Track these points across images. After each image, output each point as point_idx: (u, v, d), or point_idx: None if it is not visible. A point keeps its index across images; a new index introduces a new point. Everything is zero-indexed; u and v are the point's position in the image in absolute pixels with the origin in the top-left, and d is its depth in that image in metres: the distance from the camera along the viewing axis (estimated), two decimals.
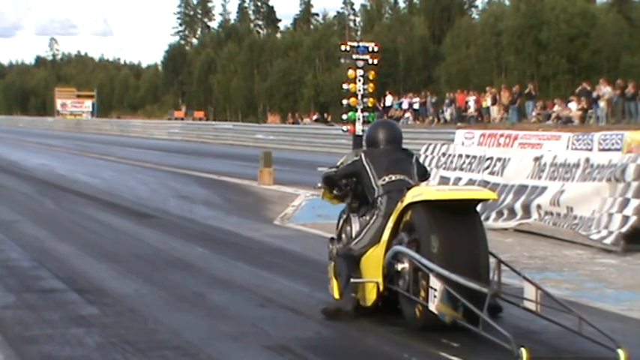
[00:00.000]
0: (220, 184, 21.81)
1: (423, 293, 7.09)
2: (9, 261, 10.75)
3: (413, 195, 7.34)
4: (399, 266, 7.39)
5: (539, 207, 13.34)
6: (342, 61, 18.88)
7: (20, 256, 11.13)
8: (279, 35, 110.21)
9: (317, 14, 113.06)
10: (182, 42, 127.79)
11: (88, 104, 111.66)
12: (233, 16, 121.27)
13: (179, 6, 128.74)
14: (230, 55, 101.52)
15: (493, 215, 14.01)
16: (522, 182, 13.97)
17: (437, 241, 7.10)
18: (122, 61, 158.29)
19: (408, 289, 7.28)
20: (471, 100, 42.73)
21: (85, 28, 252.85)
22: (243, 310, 8.23)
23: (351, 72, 18.11)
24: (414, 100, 47.35)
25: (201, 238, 12.87)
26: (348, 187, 8.32)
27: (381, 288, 7.59)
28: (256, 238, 12.99)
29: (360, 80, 18.09)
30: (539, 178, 13.66)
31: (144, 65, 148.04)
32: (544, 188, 13.45)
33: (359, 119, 18.18)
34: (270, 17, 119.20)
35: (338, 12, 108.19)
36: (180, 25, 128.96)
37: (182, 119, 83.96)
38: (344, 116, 18.35)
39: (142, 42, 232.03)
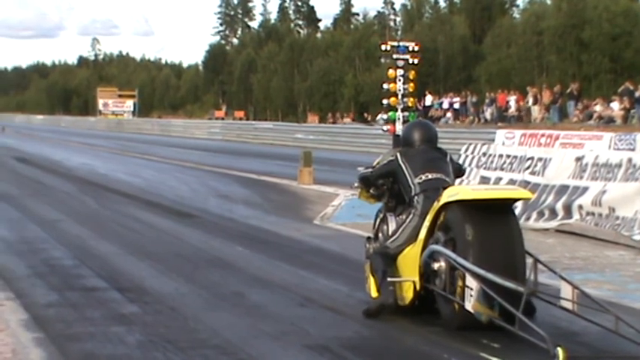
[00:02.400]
0: (260, 183, 21.86)
1: (459, 292, 7.11)
2: (52, 260, 10.84)
3: (449, 195, 7.38)
4: (436, 265, 7.42)
5: (580, 207, 13.25)
6: (383, 60, 18.89)
7: (62, 255, 11.22)
8: (319, 35, 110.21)
9: (357, 14, 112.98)
10: (223, 42, 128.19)
11: (129, 104, 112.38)
12: (273, 16, 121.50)
13: (220, 6, 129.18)
14: (270, 55, 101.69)
15: (534, 216, 13.93)
16: (564, 182, 13.87)
17: (473, 241, 7.14)
18: (163, 61, 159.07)
19: (445, 287, 7.31)
20: (512, 99, 42.50)
21: (126, 28, 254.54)
22: (282, 309, 8.25)
23: (391, 71, 18.09)
24: (455, 99, 47.18)
25: (241, 238, 12.90)
26: (384, 187, 8.34)
27: (418, 287, 7.62)
28: (296, 238, 13.01)
29: (400, 80, 18.07)
30: (581, 178, 13.56)
31: (185, 65, 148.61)
32: (586, 188, 13.34)
33: (399, 119, 18.13)
34: (310, 17, 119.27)
35: (378, 11, 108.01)
36: (221, 24, 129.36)
37: (222, 119, 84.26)
38: (384, 116, 18.31)
39: (182, 42, 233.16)
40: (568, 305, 7.19)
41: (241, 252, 11.68)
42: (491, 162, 15.94)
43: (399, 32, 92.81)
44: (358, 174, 8.66)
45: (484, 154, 16.32)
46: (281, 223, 14.78)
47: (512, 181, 14.93)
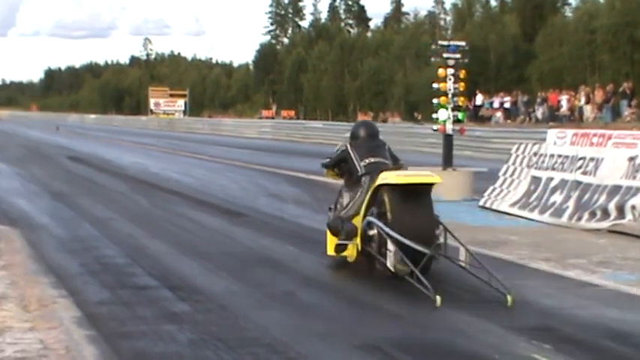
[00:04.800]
0: (310, 182, 21.88)
1: (384, 253, 9.12)
2: (104, 258, 10.94)
3: (381, 178, 9.49)
4: (371, 232, 9.53)
5: (633, 207, 13.10)
6: (433, 59, 18.72)
7: (115, 253, 11.32)
8: (369, 34, 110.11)
9: (408, 13, 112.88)
10: (273, 41, 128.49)
11: (180, 103, 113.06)
12: (324, 16, 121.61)
13: (270, 5, 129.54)
14: (320, 55, 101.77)
15: (586, 216, 13.81)
16: (616, 182, 13.73)
17: (395, 214, 9.23)
18: (214, 61, 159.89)
19: (377, 250, 9.39)
20: (564, 99, 42.17)
21: (178, 28, 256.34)
22: (332, 308, 8.26)
23: (441, 71, 17.95)
24: (505, 99, 46.91)
25: (291, 237, 12.93)
26: (342, 170, 10.66)
27: (360, 248, 9.81)
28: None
29: (450, 79, 17.93)
30: (634, 178, 13.41)
31: (235, 64, 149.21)
32: (639, 189, 13.21)
33: (449, 118, 18.03)
34: (360, 16, 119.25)
35: (429, 11, 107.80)
36: (272, 24, 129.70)
37: (272, 118, 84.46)
38: (434, 115, 18.24)
39: (233, 41, 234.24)
40: (464, 264, 9.33)
41: (291, 251, 11.70)
42: (543, 162, 15.83)
43: (450, 31, 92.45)
44: (321, 163, 11.02)
45: (535, 154, 16.21)
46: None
47: (563, 181, 14.83)
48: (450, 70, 18.05)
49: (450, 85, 18.08)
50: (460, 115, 18.36)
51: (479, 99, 48.19)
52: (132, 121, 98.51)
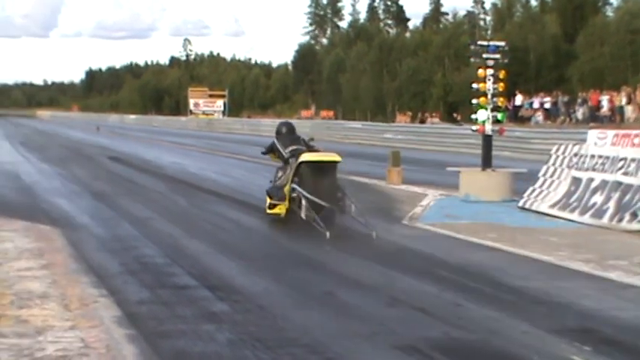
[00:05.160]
0: (348, 183, 21.80)
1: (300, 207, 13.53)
2: (143, 257, 11.01)
3: (302, 157, 14.00)
4: (294, 194, 13.92)
5: None
6: (472, 60, 18.64)
7: (154, 253, 11.39)
8: (408, 34, 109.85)
9: (447, 13, 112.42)
10: (312, 42, 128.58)
11: (219, 104, 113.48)
12: (363, 16, 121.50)
13: (309, 6, 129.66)
14: (359, 55, 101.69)
15: (627, 217, 13.69)
16: None
17: (307, 182, 13.71)
18: (253, 61, 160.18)
19: (297, 206, 13.73)
20: (605, 99, 41.86)
21: (217, 29, 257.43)
22: (371, 309, 8.26)
23: (480, 71, 17.87)
24: (545, 99, 46.65)
25: (329, 237, 12.92)
26: (277, 155, 15.00)
27: (287, 207, 14.12)
28: (384, 238, 12.99)
29: (489, 79, 17.84)
30: None
31: (274, 65, 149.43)
32: None
33: (488, 119, 17.95)
34: (399, 16, 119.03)
35: (468, 11, 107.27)
36: (311, 24, 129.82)
37: (311, 118, 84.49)
38: (473, 116, 18.17)
39: (272, 42, 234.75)
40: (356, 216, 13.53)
41: (330, 251, 11.71)
42: (583, 162, 15.72)
43: (489, 31, 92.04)
44: (261, 151, 15.94)
45: (575, 155, 16.10)
46: (369, 222, 14.76)
47: (604, 182, 14.71)
48: (490, 71, 17.96)
49: (489, 85, 17.99)
50: (499, 116, 18.26)
51: (518, 99, 47.94)
52: (171, 122, 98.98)
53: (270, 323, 7.66)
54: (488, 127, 18.13)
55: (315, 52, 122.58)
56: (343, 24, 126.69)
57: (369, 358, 6.68)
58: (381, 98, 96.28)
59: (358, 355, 6.71)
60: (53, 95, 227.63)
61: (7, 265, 9.88)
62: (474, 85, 18.21)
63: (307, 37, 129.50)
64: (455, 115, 67.71)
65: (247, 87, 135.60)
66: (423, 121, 63.81)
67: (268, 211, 14.46)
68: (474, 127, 18.47)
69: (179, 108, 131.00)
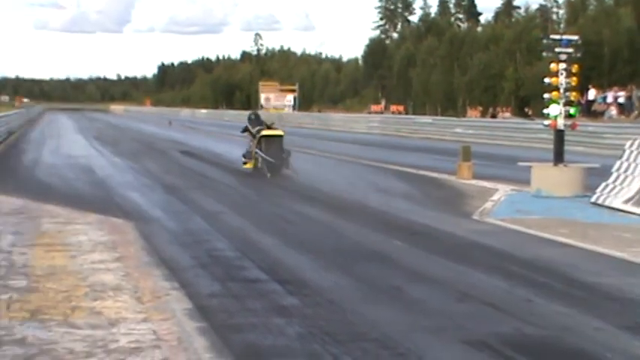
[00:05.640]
0: (419, 178, 21.82)
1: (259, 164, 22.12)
2: (214, 251, 11.10)
3: (262, 133, 22.31)
4: (257, 156, 22.19)
5: None
6: (544, 54, 18.44)
7: (225, 247, 11.48)
8: (479, 28, 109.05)
9: (519, 7, 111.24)
10: (382, 36, 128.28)
11: (290, 98, 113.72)
12: (433, 10, 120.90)
13: (380, 0, 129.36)
14: (430, 49, 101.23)
15: None
16: None
17: (265, 147, 22.01)
18: (323, 56, 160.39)
19: (258, 164, 22.15)
20: None
21: (288, 24, 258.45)
22: (440, 304, 8.24)
23: (553, 65, 17.68)
24: (619, 93, 46.03)
25: (399, 232, 12.92)
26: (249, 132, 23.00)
27: (253, 164, 22.37)
28: (454, 233, 12.95)
29: (562, 74, 17.64)
30: None
31: (344, 59, 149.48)
32: None
33: (561, 113, 17.76)
34: (471, 10, 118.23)
35: (540, 4, 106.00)
36: (381, 19, 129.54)
37: (381, 113, 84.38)
38: (545, 110, 17.98)
39: (343, 36, 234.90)
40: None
41: (400, 246, 11.70)
42: None
43: (562, 25, 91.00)
44: (240, 130, 24.23)
45: None
46: (439, 217, 14.74)
47: None
48: (562, 65, 17.76)
49: (561, 79, 17.80)
50: (572, 110, 18.06)
51: (591, 94, 47.38)
52: (242, 116, 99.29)
53: (339, 317, 7.68)
54: (561, 122, 17.94)
55: (385, 46, 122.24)
56: (414, 18, 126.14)
57: (439, 354, 6.66)
58: (451, 93, 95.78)
59: (428, 351, 6.70)
60: (126, 90, 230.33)
61: (82, 258, 10.03)
62: (546, 80, 18.03)
63: (378, 32, 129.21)
64: (526, 109, 67.12)
65: (317, 81, 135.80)
66: (494, 116, 63.33)
67: (243, 166, 23.11)
68: (546, 122, 18.29)
69: (250, 102, 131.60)
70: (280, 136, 22.58)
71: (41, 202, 15.51)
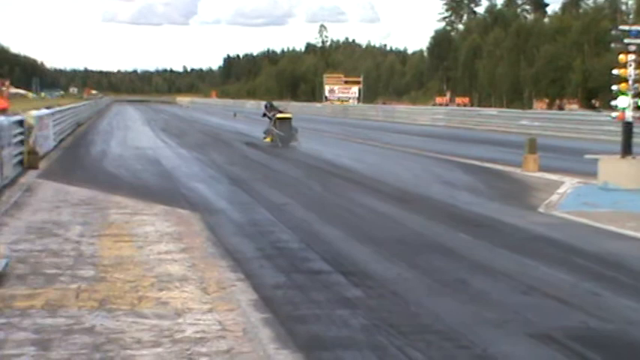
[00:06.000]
0: (483, 170, 21.71)
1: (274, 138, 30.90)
2: (279, 242, 11.16)
3: (277, 116, 31.19)
4: (273, 132, 30.87)
5: None
6: (613, 45, 18.23)
7: (289, 238, 11.53)
8: (546, 20, 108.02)
9: None
10: (448, 28, 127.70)
11: (354, 90, 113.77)
12: (500, 1, 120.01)
13: None
14: (496, 41, 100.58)
15: None
16: None
17: (279, 127, 30.74)
18: (388, 48, 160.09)
19: (275, 139, 30.62)
20: None
21: (353, 15, 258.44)
22: (505, 297, 8.20)
23: (622, 57, 17.47)
24: None
25: (463, 224, 12.87)
26: (268, 117, 32.05)
27: (271, 138, 30.92)
28: (519, 225, 12.87)
29: (631, 65, 17.43)
30: None
31: (410, 51, 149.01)
32: None
33: (629, 105, 17.54)
34: (538, 2, 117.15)
35: None
36: (447, 10, 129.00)
37: (446, 105, 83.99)
38: (613, 102, 17.77)
39: (408, 28, 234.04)
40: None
41: (464, 238, 11.66)
42: None
43: (632, 16, 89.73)
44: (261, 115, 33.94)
45: None
46: (504, 210, 14.65)
47: None
48: (631, 56, 17.54)
49: (630, 71, 17.58)
50: None
51: None
52: (307, 108, 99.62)
53: (403, 309, 7.68)
54: (629, 114, 17.73)
55: (450, 38, 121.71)
56: (480, 9, 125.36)
57: (503, 347, 6.64)
58: (517, 85, 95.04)
59: (492, 343, 6.67)
60: (192, 81, 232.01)
61: (148, 249, 10.15)
62: (615, 71, 17.83)
63: (443, 23, 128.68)
64: (594, 101, 66.32)
65: (382, 73, 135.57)
66: (561, 108, 62.70)
67: (264, 140, 31.37)
68: (614, 114, 18.09)
69: (314, 94, 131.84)
70: (290, 118, 31.50)
71: (109, 193, 15.70)
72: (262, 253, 10.32)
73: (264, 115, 32.03)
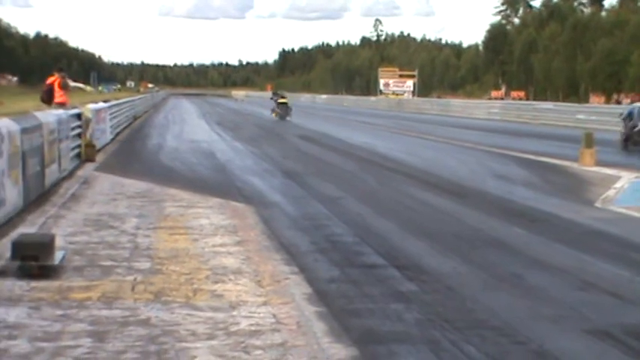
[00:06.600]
0: (539, 164, 21.53)
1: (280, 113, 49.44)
2: (333, 236, 11.16)
3: (278, 100, 49.66)
4: (276, 110, 49.46)
5: None
6: None
7: (343, 232, 11.52)
8: (603, 14, 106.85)
9: None
10: (503, 22, 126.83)
11: (409, 84, 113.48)
12: None
13: None
14: (552, 35, 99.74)
15: None
16: None
17: (280, 107, 48.92)
18: (443, 41, 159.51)
19: (277, 114, 49.23)
20: None
21: (408, 9, 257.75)
22: (561, 292, 8.13)
23: None
24: None
25: (519, 219, 12.78)
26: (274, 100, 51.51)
27: (276, 113, 49.28)
28: (576, 220, 12.75)
29: None
30: None
31: (465, 45, 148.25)
32: None
33: None
34: None
35: None
36: (502, 4, 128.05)
37: (502, 99, 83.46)
38: None
39: (463, 22, 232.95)
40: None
41: (520, 233, 11.58)
42: None
43: None
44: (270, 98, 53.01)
45: None
46: (561, 205, 14.52)
47: None
48: None
49: None
50: None
51: None
52: (361, 101, 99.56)
53: (458, 304, 7.65)
54: None
55: (506, 32, 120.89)
56: (536, 3, 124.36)
57: (560, 343, 6.58)
58: (573, 79, 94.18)
59: (549, 339, 6.62)
60: (248, 75, 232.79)
61: (203, 241, 10.19)
62: None
63: (499, 17, 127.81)
64: None
65: (437, 67, 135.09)
66: (619, 102, 61.99)
67: (271, 115, 49.22)
68: None
69: (369, 88, 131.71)
70: (286, 102, 48.88)
71: (164, 185, 15.80)
72: (316, 247, 10.32)
73: (271, 98, 52.88)
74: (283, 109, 48.40)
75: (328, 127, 41.62)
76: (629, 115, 27.26)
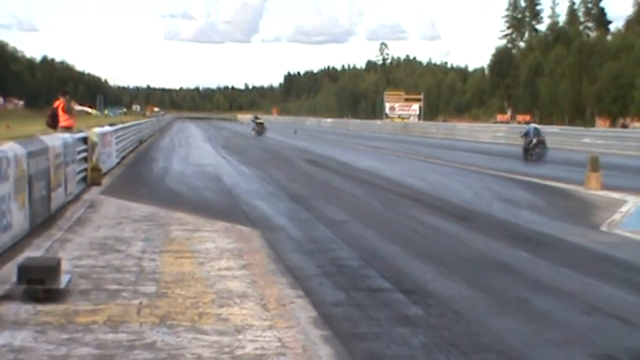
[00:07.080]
0: (545, 188, 21.53)
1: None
2: (338, 260, 11.16)
3: (256, 121, 65.55)
4: (255, 129, 63.78)
5: None
6: None
7: (349, 255, 11.52)
8: (609, 37, 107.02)
9: None
10: (509, 45, 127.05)
11: (415, 107, 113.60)
12: (562, 19, 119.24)
13: (507, 9, 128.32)
14: (558, 58, 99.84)
15: None
16: None
17: (257, 126, 63.98)
18: (449, 65, 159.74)
19: (256, 131, 63.99)
20: None
21: (413, 33, 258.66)
22: (567, 316, 8.12)
23: None
24: None
25: (525, 242, 12.78)
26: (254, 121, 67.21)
27: (255, 131, 63.44)
28: (582, 244, 12.74)
29: None
30: None
31: (470, 69, 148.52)
32: None
33: None
34: (600, 19, 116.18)
35: None
36: (508, 28, 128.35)
37: (507, 122, 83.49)
38: None
39: (469, 45, 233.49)
40: None
41: (525, 257, 11.57)
42: None
43: None
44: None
45: None
46: (566, 228, 14.51)
47: None
48: None
49: None
50: None
51: None
52: (367, 125, 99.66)
53: (464, 328, 7.64)
54: None
55: (512, 55, 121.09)
56: (541, 27, 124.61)
57: None
58: (579, 102, 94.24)
59: None
60: (254, 99, 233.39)
61: (209, 265, 10.20)
62: None
63: (504, 41, 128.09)
64: None
65: (443, 91, 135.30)
66: (624, 126, 62.01)
67: (252, 132, 64.12)
68: None
69: (375, 111, 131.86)
70: (262, 122, 63.29)
71: (170, 209, 15.82)
72: (322, 271, 10.33)
73: (252, 121, 66.33)
74: (260, 128, 63.01)
75: (334, 150, 41.67)
76: (527, 134, 35.22)
